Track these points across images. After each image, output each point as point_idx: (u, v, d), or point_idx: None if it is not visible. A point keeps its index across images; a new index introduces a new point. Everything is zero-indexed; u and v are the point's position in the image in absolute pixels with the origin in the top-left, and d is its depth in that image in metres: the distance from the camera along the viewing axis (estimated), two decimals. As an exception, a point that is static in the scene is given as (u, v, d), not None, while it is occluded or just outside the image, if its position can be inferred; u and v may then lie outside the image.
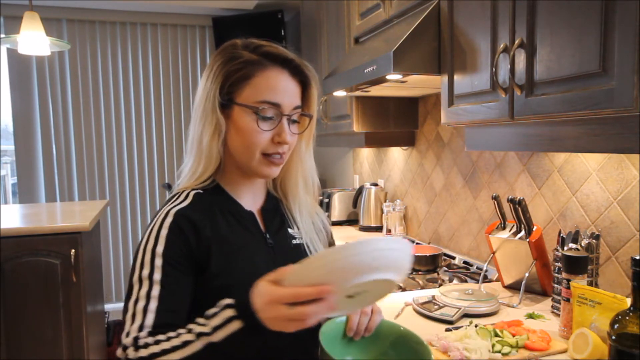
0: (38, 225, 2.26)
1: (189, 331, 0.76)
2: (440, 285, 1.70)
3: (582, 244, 1.31)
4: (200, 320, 0.76)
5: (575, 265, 1.18)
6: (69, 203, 3.51)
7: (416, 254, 1.86)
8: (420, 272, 1.84)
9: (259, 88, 0.91)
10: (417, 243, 2.26)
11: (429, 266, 1.85)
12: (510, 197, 1.49)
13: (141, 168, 4.18)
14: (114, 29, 4.00)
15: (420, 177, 2.42)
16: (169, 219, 0.89)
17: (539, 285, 1.53)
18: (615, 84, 0.91)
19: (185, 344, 0.74)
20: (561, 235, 1.37)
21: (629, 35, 0.88)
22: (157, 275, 0.84)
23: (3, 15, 3.66)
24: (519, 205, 1.47)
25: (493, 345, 1.12)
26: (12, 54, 3.72)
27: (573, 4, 1.01)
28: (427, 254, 1.86)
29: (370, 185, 2.76)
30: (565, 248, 1.31)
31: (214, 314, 0.75)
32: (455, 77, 1.45)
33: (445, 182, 2.21)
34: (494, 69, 1.24)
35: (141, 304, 0.82)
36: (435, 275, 1.83)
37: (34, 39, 2.60)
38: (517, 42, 1.15)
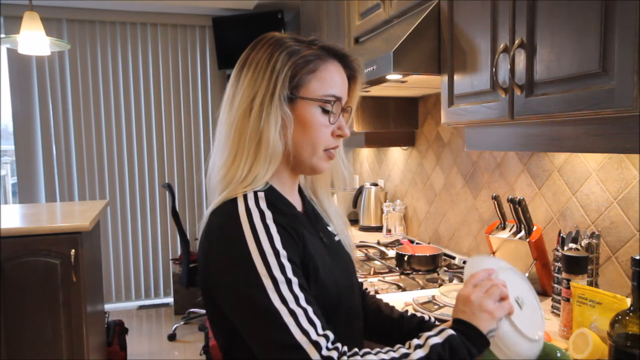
0: (38, 225, 2.25)
1: (398, 347, 0.79)
2: (440, 285, 1.70)
3: (582, 244, 1.31)
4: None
5: (575, 265, 1.18)
6: (69, 203, 3.51)
7: (416, 254, 1.86)
8: (420, 272, 1.84)
9: (325, 82, 0.89)
10: (417, 243, 2.26)
11: (429, 266, 1.85)
12: (510, 197, 1.49)
13: (141, 168, 4.19)
14: (114, 29, 4.01)
15: (420, 177, 2.42)
16: (270, 223, 0.81)
17: (539, 285, 1.53)
18: (615, 84, 0.91)
19: (405, 355, 0.77)
20: (561, 235, 1.37)
21: (629, 35, 0.88)
22: (294, 278, 0.78)
23: (3, 15, 3.66)
24: (519, 205, 1.47)
25: (493, 345, 1.12)
26: (12, 54, 3.73)
27: (573, 4, 1.01)
28: (427, 254, 1.86)
29: (370, 185, 2.76)
30: (565, 248, 1.31)
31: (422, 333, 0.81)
32: (455, 77, 1.45)
33: (445, 182, 2.21)
34: (494, 69, 1.24)
35: (299, 310, 0.76)
36: (435, 275, 1.83)
37: (34, 39, 2.60)
38: (517, 42, 1.15)
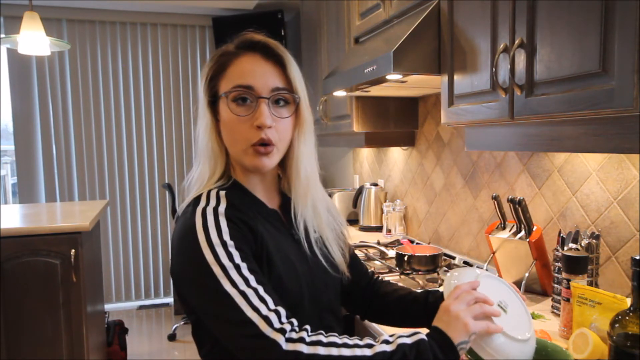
0: (38, 225, 2.26)
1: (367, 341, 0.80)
2: (440, 285, 1.70)
3: (582, 244, 1.31)
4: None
5: (575, 265, 1.18)
6: (69, 203, 3.51)
7: (416, 254, 1.86)
8: (420, 272, 1.84)
9: (233, 76, 0.91)
10: (417, 243, 2.26)
11: (429, 266, 1.85)
12: (510, 197, 1.49)
13: (141, 168, 4.19)
14: (114, 29, 4.01)
15: (420, 177, 2.42)
16: (222, 218, 0.86)
17: (539, 285, 1.53)
18: (615, 84, 0.91)
19: (369, 345, 0.78)
20: (561, 235, 1.37)
21: (629, 35, 0.88)
22: (242, 263, 0.82)
23: (3, 15, 3.66)
24: (519, 205, 1.47)
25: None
26: (12, 54, 3.73)
27: (573, 4, 1.01)
28: (427, 254, 1.86)
29: (370, 185, 2.76)
30: (565, 248, 1.31)
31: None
32: (455, 77, 1.45)
33: (445, 182, 2.21)
34: (494, 69, 1.24)
35: (249, 291, 0.79)
36: (435, 275, 1.83)
37: (34, 39, 2.61)
38: (517, 42, 1.15)
